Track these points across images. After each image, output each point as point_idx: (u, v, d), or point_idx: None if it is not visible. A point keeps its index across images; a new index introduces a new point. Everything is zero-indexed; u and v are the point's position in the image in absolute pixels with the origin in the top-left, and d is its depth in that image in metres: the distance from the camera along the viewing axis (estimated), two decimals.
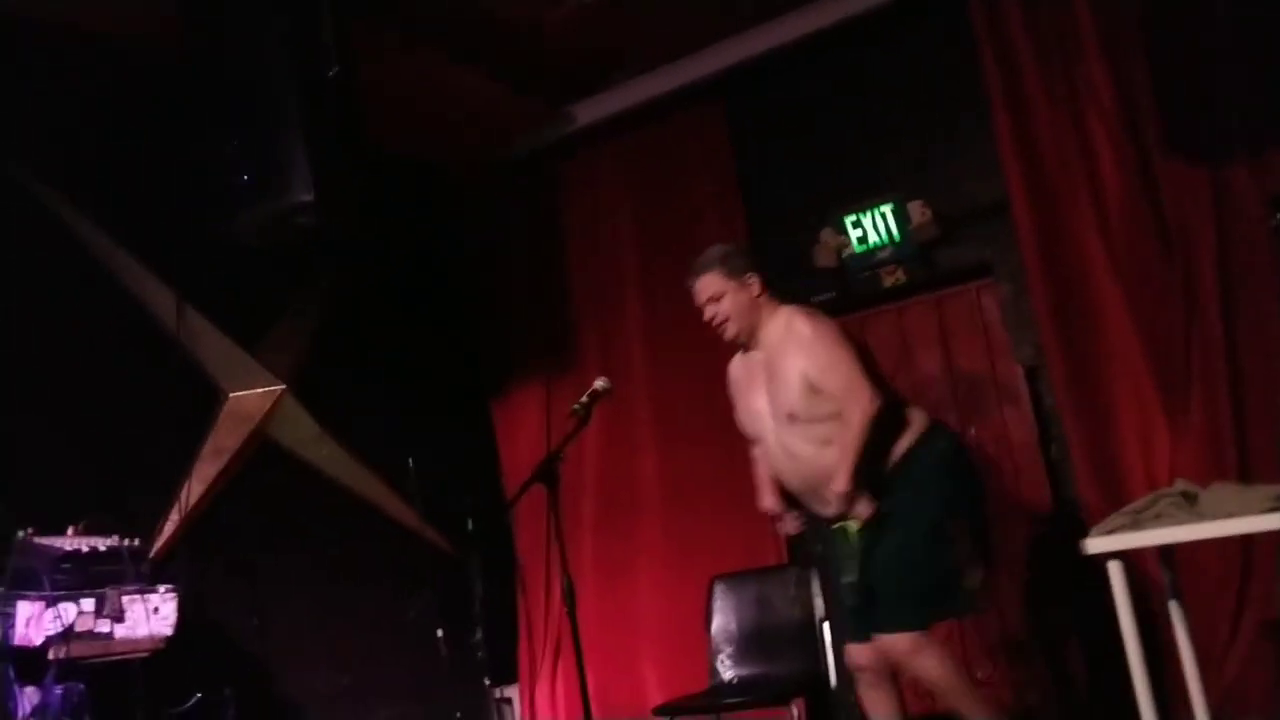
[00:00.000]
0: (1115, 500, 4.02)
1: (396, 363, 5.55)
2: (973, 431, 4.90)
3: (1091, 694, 4.47)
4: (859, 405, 3.19)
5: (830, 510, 3.32)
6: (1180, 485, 3.19)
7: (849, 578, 3.38)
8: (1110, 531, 3.17)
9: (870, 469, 3.23)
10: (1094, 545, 3.17)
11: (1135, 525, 3.13)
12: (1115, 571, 3.13)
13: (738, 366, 3.61)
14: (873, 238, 4.96)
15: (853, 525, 3.31)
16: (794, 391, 3.27)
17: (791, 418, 3.28)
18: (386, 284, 5.60)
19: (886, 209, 4.91)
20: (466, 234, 6.18)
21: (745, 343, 3.49)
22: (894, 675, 3.40)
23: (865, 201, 4.97)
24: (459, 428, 5.77)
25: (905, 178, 4.97)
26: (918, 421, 3.38)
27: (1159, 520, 3.12)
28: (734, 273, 3.42)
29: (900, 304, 5.13)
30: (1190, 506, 3.08)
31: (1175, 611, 3.52)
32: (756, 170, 5.40)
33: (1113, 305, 4.39)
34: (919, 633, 3.23)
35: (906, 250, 4.91)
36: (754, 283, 3.43)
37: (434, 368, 5.79)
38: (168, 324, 4.52)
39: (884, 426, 3.26)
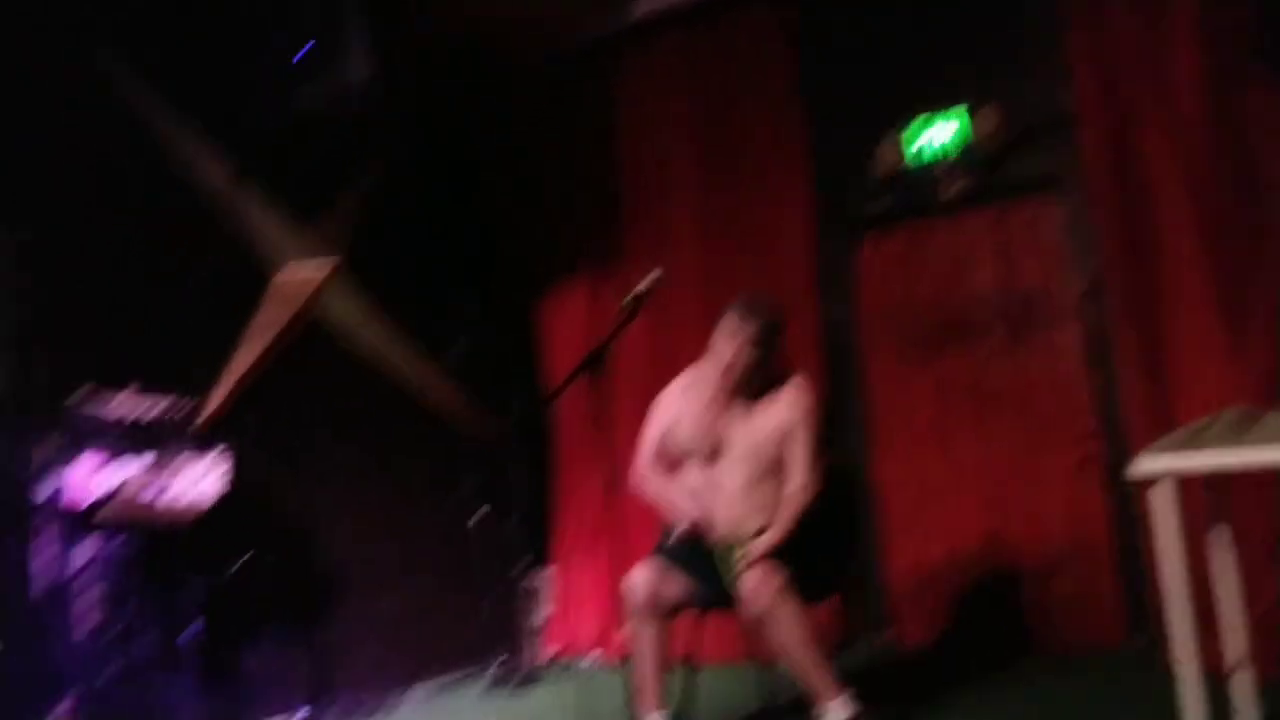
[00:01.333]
0: (1163, 426, 3.97)
1: (445, 250, 5.55)
2: (1023, 350, 4.86)
3: (1128, 616, 4.49)
4: (811, 484, 3.51)
5: (736, 532, 3.47)
6: (1235, 411, 3.14)
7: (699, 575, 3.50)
8: (1160, 452, 3.12)
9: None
10: (1143, 465, 3.13)
11: (1186, 448, 3.08)
12: (1163, 493, 3.09)
13: (687, 380, 3.75)
14: (936, 145, 4.84)
15: (737, 552, 3.40)
16: (767, 434, 3.52)
17: (755, 453, 3.51)
18: (438, 169, 5.57)
19: (950, 117, 4.79)
20: (519, 124, 6.09)
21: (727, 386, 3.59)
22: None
23: (928, 109, 4.85)
24: (504, 317, 5.78)
25: (971, 86, 4.83)
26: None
27: (1210, 443, 3.06)
28: (779, 337, 3.61)
29: (958, 215, 5.04)
30: (1246, 432, 3.03)
31: (1218, 538, 3.48)
32: (818, 73, 5.27)
33: (1178, 228, 4.28)
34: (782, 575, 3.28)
35: (968, 161, 4.80)
36: (771, 354, 3.59)
37: (481, 257, 5.78)
38: (222, 196, 4.53)
39: None
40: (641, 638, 3.42)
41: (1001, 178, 4.83)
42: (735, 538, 3.46)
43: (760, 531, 3.46)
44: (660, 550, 3.57)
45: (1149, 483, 3.13)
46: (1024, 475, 4.81)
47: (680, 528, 3.58)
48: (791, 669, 3.21)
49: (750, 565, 3.32)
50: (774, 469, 3.55)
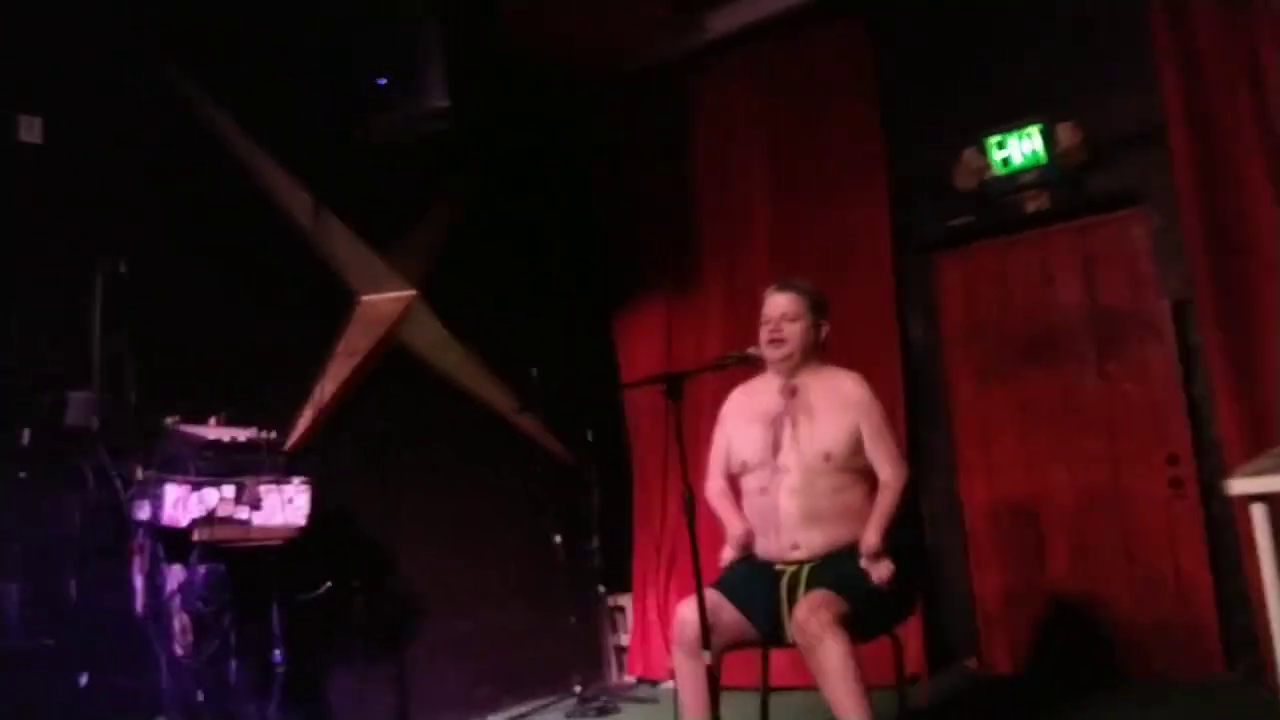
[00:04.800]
0: (1259, 444, 3.86)
1: (522, 272, 5.60)
2: (1111, 367, 4.74)
3: (1224, 641, 4.35)
4: (900, 475, 3.45)
5: (797, 553, 3.38)
6: None
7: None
8: (1258, 473, 3.02)
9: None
10: (1238, 486, 3.03)
11: None
12: (1259, 514, 2.99)
13: (741, 395, 3.72)
14: (1017, 160, 4.76)
15: (804, 581, 3.31)
16: (840, 438, 3.43)
17: (827, 457, 3.41)
18: (515, 193, 5.63)
19: (1033, 130, 4.70)
20: (595, 145, 6.14)
21: (780, 369, 3.55)
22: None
23: (1010, 122, 4.77)
24: (581, 340, 5.81)
25: (1054, 98, 4.74)
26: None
27: None
28: (817, 310, 3.57)
29: (1042, 230, 4.95)
30: None
31: None
32: (897, 88, 5.22)
33: (1269, 241, 4.13)
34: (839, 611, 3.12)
35: (1052, 174, 4.71)
36: (825, 330, 3.58)
37: (558, 279, 5.82)
38: (304, 226, 4.63)
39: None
40: (686, 673, 3.25)
41: (1085, 192, 4.73)
42: (799, 564, 3.36)
43: (831, 551, 3.36)
44: (718, 582, 3.45)
45: (1246, 503, 3.04)
46: (1114, 497, 4.69)
47: (730, 551, 3.53)
48: (830, 702, 3.06)
49: (809, 593, 3.20)
50: (855, 466, 3.43)
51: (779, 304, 3.54)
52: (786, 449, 3.46)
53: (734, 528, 3.56)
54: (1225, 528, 4.24)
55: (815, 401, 3.48)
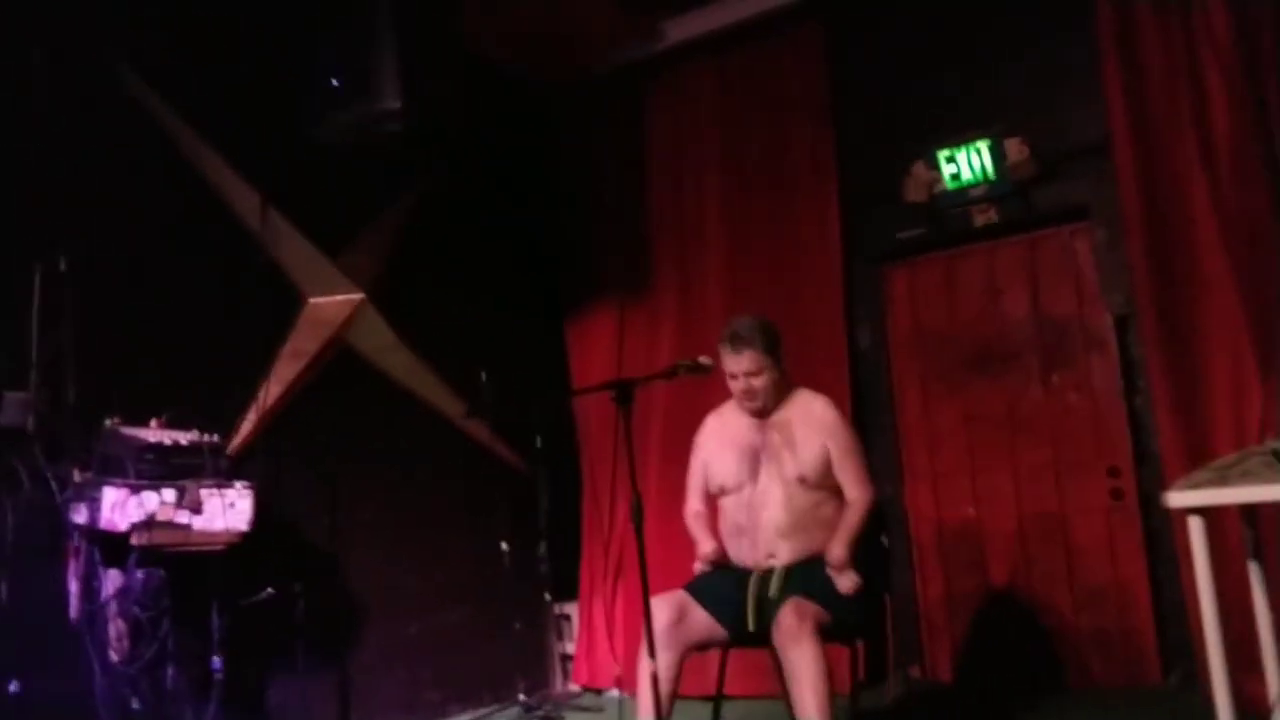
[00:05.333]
0: (1198, 456, 3.93)
1: (474, 277, 5.56)
2: (1055, 379, 4.81)
3: (1161, 650, 4.42)
4: (865, 495, 3.61)
5: (774, 561, 3.52)
6: (1271, 443, 3.09)
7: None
8: (1195, 486, 3.08)
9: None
10: (1176, 499, 3.09)
11: (1221, 481, 3.04)
12: (1196, 527, 3.04)
13: (715, 421, 3.86)
14: (966, 174, 4.82)
15: (775, 578, 3.46)
16: (812, 461, 3.59)
17: (802, 480, 3.57)
18: (467, 196, 5.59)
19: (982, 145, 4.76)
20: (549, 148, 6.12)
21: (758, 412, 3.69)
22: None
23: (960, 136, 4.82)
24: (532, 345, 5.78)
25: (1003, 113, 4.81)
26: None
27: (1246, 477, 3.02)
28: (772, 353, 3.66)
29: (991, 243, 5.01)
30: None
31: (1254, 573, 3.42)
32: (849, 100, 5.26)
33: (1213, 256, 4.21)
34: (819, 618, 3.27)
35: (1000, 189, 4.77)
36: (785, 362, 3.71)
37: (510, 283, 5.79)
38: (252, 226, 4.56)
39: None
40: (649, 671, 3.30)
41: (1032, 206, 4.79)
42: (772, 568, 3.49)
43: (804, 559, 3.49)
44: (689, 585, 3.58)
45: (1184, 516, 3.09)
46: (1056, 507, 4.76)
47: (700, 566, 3.65)
48: (795, 701, 3.17)
49: (789, 599, 3.31)
50: (829, 485, 3.60)
51: (742, 363, 3.62)
52: (764, 473, 3.62)
53: (704, 546, 3.70)
54: (1164, 539, 4.31)
55: (791, 429, 3.64)
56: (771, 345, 3.65)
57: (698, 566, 3.67)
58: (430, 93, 4.26)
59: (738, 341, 3.63)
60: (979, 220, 4.89)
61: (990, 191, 4.80)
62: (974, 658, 4.87)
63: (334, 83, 4.23)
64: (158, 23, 4.31)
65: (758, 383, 3.62)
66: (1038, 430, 4.83)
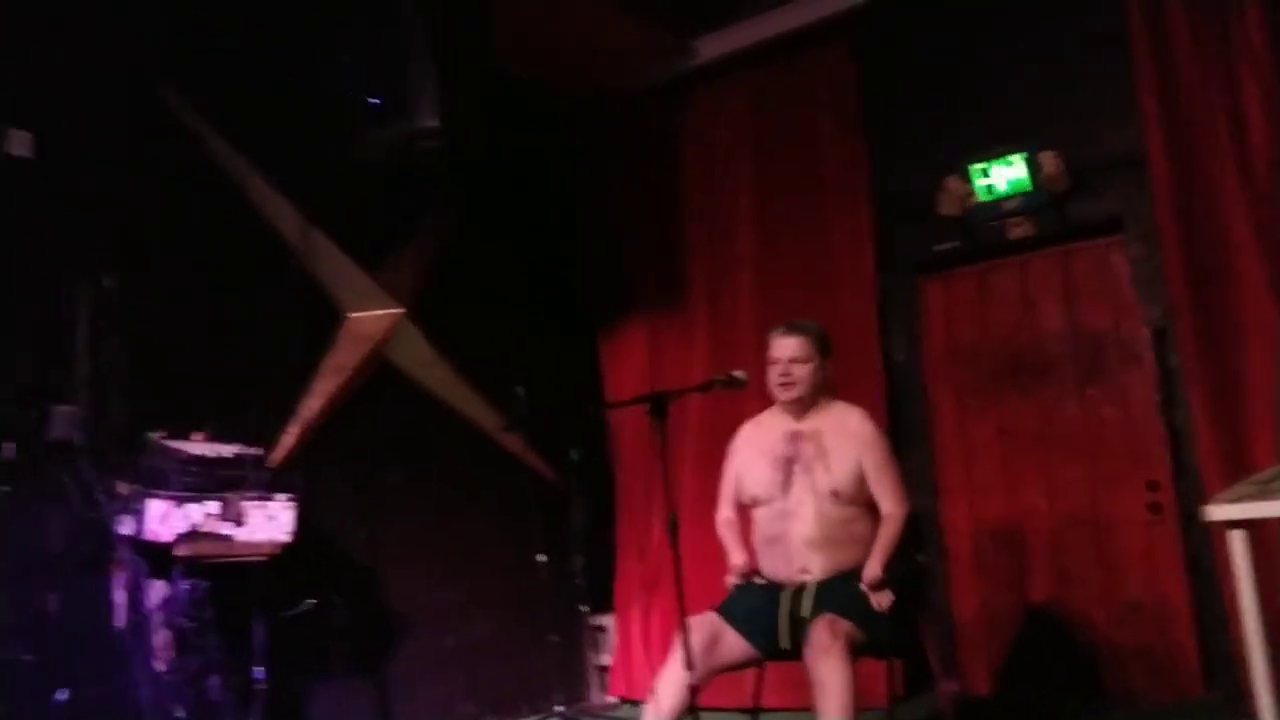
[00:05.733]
0: (1238, 469, 3.90)
1: (509, 291, 5.63)
2: (1091, 392, 4.79)
3: (1202, 665, 4.38)
4: (901, 509, 3.57)
5: (807, 576, 3.49)
6: None
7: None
8: (1236, 499, 3.06)
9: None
10: (1217, 513, 3.07)
11: (1263, 495, 3.02)
12: (1237, 541, 3.02)
13: (751, 429, 3.84)
14: (1000, 187, 4.82)
15: (808, 596, 3.44)
16: (845, 475, 3.55)
17: (835, 494, 3.53)
18: (503, 212, 5.65)
19: (1017, 158, 4.76)
20: (583, 165, 6.17)
21: (790, 409, 3.68)
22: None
23: (994, 150, 4.82)
24: (567, 359, 5.82)
25: (1037, 126, 4.80)
26: None
27: None
28: (823, 351, 3.68)
29: (1025, 256, 5.00)
30: None
31: None
32: (883, 114, 5.27)
33: (1250, 268, 4.19)
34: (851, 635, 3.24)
35: (1035, 201, 4.77)
36: (830, 368, 3.70)
37: (545, 298, 5.84)
38: (293, 242, 4.63)
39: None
40: (670, 684, 3.32)
41: (1067, 219, 4.78)
42: (804, 584, 3.47)
43: (836, 574, 3.47)
44: (721, 606, 3.56)
45: (1224, 529, 3.07)
46: (1093, 521, 4.73)
47: (732, 578, 3.63)
48: (819, 715, 3.14)
49: (822, 615, 3.29)
50: (862, 499, 3.56)
51: (788, 347, 3.63)
52: (798, 486, 3.57)
53: (734, 558, 3.69)
54: (1204, 552, 4.28)
55: (825, 441, 3.60)
56: (822, 344, 3.67)
57: (729, 580, 3.66)
58: (466, 111, 4.32)
59: (790, 327, 3.66)
60: (1013, 233, 4.89)
61: (1025, 204, 4.79)
62: (1011, 671, 4.84)
63: (373, 101, 4.29)
64: (201, 44, 4.40)
65: (798, 370, 3.60)
66: (1073, 444, 4.80)
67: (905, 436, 5.11)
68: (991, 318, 5.10)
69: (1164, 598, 4.52)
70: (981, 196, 4.88)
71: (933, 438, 5.18)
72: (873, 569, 3.44)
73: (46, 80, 3.92)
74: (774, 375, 3.65)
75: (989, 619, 4.95)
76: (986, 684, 4.89)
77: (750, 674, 3.70)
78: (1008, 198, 4.81)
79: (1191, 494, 4.33)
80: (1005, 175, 4.80)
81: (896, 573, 3.51)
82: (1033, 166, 4.74)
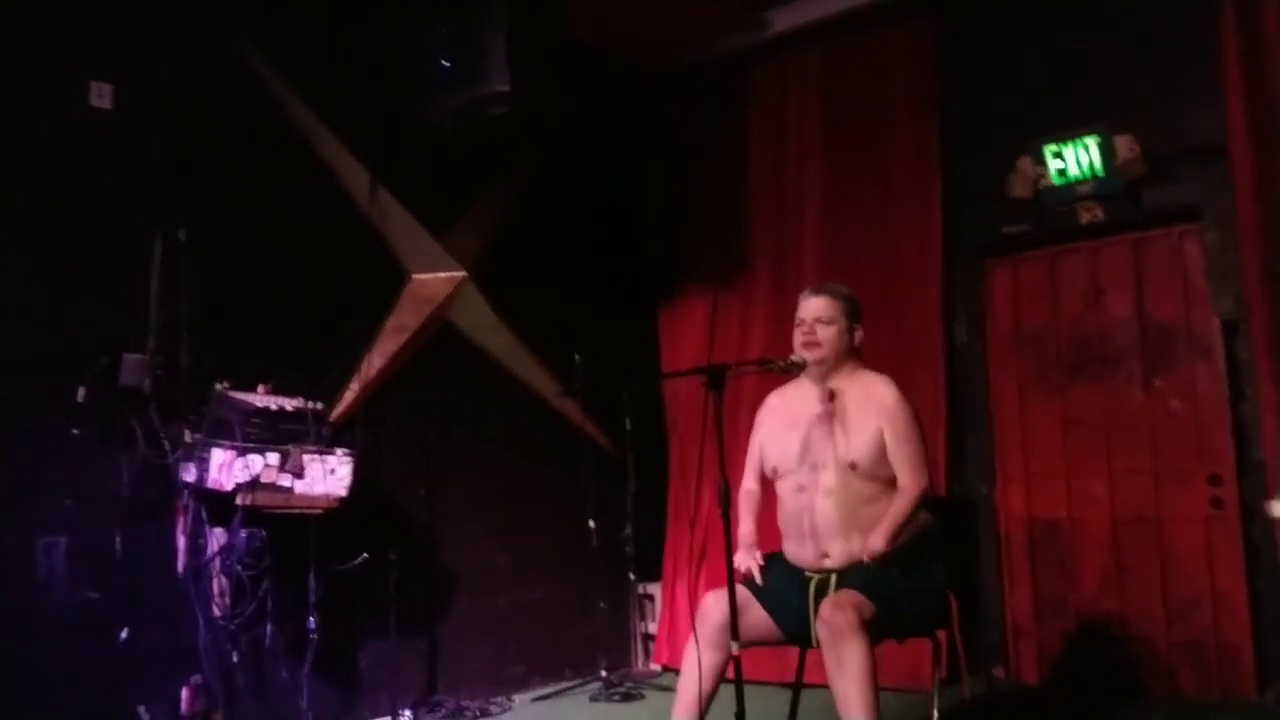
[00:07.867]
0: None
1: (571, 259, 5.65)
2: (1157, 384, 4.70)
3: (1258, 664, 4.30)
4: (917, 483, 3.39)
5: (827, 562, 3.39)
6: None
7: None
8: None
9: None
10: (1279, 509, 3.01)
11: None
12: None
13: (776, 400, 3.73)
14: (1073, 170, 4.72)
15: (832, 587, 3.30)
16: (865, 445, 3.41)
17: (854, 466, 3.40)
18: (568, 179, 5.67)
19: (1091, 141, 4.66)
20: (650, 134, 6.15)
21: (814, 373, 3.53)
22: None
23: (1068, 132, 4.72)
24: (625, 328, 5.83)
25: (1113, 110, 4.69)
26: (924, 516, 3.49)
27: None
28: (852, 314, 3.55)
29: (1096, 242, 4.90)
30: None
31: None
32: (955, 91, 5.18)
33: None
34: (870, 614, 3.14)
35: (1108, 186, 4.67)
36: (860, 334, 3.57)
37: (605, 267, 5.86)
38: (361, 202, 4.69)
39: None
40: (694, 662, 3.28)
41: (1140, 206, 4.68)
42: (828, 572, 3.37)
43: (858, 561, 3.34)
44: (750, 580, 3.46)
45: None
46: (1153, 514, 4.65)
47: (739, 555, 3.49)
48: (838, 699, 3.06)
49: (834, 593, 3.21)
50: (881, 474, 3.40)
51: (814, 307, 3.52)
52: (819, 457, 3.46)
53: (742, 526, 3.61)
54: (1265, 550, 4.20)
55: (849, 408, 3.47)
56: (851, 308, 3.54)
57: (738, 558, 3.47)
58: (536, 77, 4.32)
59: (820, 288, 3.57)
60: (1085, 218, 4.80)
61: (1097, 189, 4.69)
62: (1060, 662, 4.81)
63: (445, 63, 4.32)
64: (278, 4, 4.46)
65: (823, 331, 3.47)
66: (1137, 435, 4.72)
67: (965, 421, 5.07)
68: (1059, 304, 5.02)
69: (1221, 596, 4.44)
70: (1054, 179, 4.79)
71: (993, 424, 5.12)
72: (875, 542, 3.28)
73: (128, 35, 4.00)
74: (799, 335, 3.53)
75: (1041, 608, 4.91)
76: (1035, 672, 4.86)
77: (794, 651, 3.68)
78: (1081, 181, 4.72)
79: (1255, 490, 4.25)
80: (1079, 159, 4.70)
81: (926, 550, 3.40)
82: (1107, 150, 4.63)
